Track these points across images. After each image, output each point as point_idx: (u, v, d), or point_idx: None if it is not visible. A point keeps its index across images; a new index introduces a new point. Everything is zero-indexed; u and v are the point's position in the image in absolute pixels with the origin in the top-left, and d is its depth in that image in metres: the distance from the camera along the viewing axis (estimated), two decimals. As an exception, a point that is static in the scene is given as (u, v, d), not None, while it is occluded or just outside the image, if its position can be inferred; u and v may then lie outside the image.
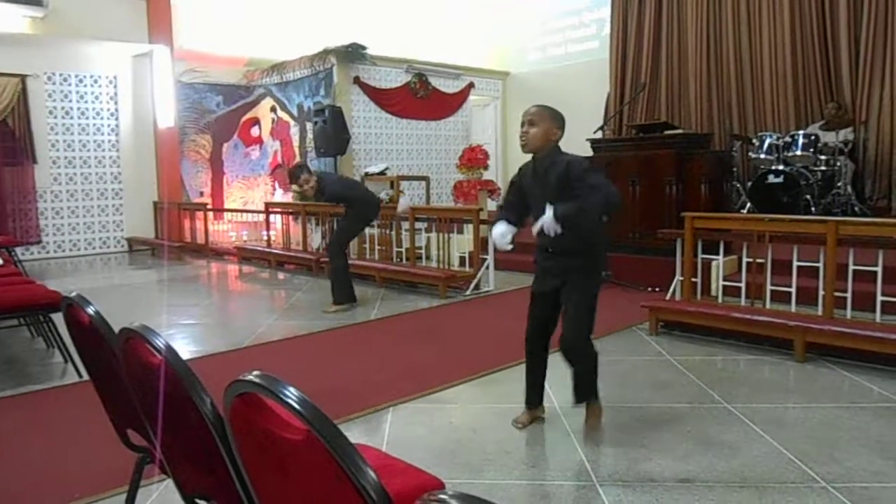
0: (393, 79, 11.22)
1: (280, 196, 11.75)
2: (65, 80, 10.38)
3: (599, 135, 7.03)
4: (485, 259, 6.68)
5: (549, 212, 2.79)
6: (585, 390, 3.12)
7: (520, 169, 3.16)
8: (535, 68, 12.70)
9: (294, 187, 5.99)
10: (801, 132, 7.52)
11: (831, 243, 4.24)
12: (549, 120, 2.90)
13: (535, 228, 2.91)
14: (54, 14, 9.31)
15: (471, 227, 6.81)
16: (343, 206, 6.29)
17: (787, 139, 7.50)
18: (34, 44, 9.70)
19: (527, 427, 3.19)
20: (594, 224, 2.91)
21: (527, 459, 2.89)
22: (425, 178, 10.21)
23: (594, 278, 3.01)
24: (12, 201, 10.01)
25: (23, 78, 9.90)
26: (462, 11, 12.68)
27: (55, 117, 10.31)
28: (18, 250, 8.97)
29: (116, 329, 1.68)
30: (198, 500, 1.69)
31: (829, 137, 7.54)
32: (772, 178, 7.20)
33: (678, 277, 5.26)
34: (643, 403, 3.48)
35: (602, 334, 4.85)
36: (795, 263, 4.59)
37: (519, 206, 3.12)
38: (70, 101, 10.45)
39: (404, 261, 7.47)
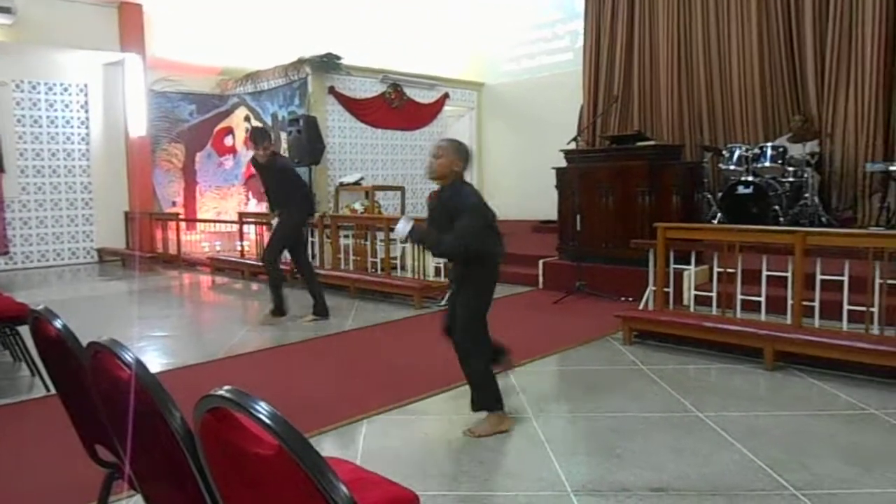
0: (368, 89, 11.22)
1: (254, 206, 11.66)
2: (34, 87, 10.20)
3: (573, 146, 7.09)
4: (460, 269, 6.68)
5: (407, 225, 3.27)
6: (483, 396, 3.33)
7: (434, 194, 3.50)
8: (509, 79, 12.77)
9: (253, 152, 5.72)
10: (769, 144, 7.63)
11: (799, 253, 4.32)
12: (452, 153, 3.24)
13: (395, 233, 3.41)
14: (23, 21, 9.15)
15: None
16: (274, 198, 5.90)
17: (756, 151, 7.61)
18: (2, 51, 9.52)
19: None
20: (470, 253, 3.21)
21: (501, 470, 2.90)
22: (401, 189, 10.20)
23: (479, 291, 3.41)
24: (-22, 211, 9.82)
25: (-10, 86, 9.74)
26: (437, 23, 12.73)
27: (24, 126, 10.11)
28: (-16, 261, 8.81)
29: (85, 342, 1.66)
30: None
31: (795, 149, 7.67)
32: (741, 189, 7.31)
33: (651, 287, 5.32)
34: (617, 413, 3.50)
35: (576, 344, 4.89)
36: (765, 273, 4.67)
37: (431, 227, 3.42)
38: (39, 109, 10.27)
39: (379, 271, 7.45)
